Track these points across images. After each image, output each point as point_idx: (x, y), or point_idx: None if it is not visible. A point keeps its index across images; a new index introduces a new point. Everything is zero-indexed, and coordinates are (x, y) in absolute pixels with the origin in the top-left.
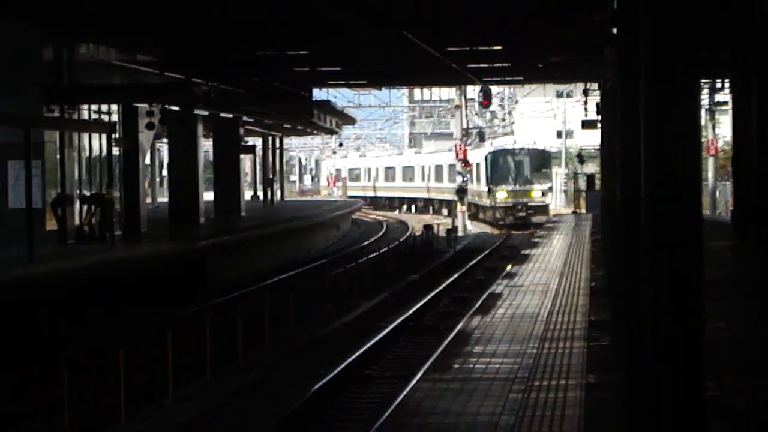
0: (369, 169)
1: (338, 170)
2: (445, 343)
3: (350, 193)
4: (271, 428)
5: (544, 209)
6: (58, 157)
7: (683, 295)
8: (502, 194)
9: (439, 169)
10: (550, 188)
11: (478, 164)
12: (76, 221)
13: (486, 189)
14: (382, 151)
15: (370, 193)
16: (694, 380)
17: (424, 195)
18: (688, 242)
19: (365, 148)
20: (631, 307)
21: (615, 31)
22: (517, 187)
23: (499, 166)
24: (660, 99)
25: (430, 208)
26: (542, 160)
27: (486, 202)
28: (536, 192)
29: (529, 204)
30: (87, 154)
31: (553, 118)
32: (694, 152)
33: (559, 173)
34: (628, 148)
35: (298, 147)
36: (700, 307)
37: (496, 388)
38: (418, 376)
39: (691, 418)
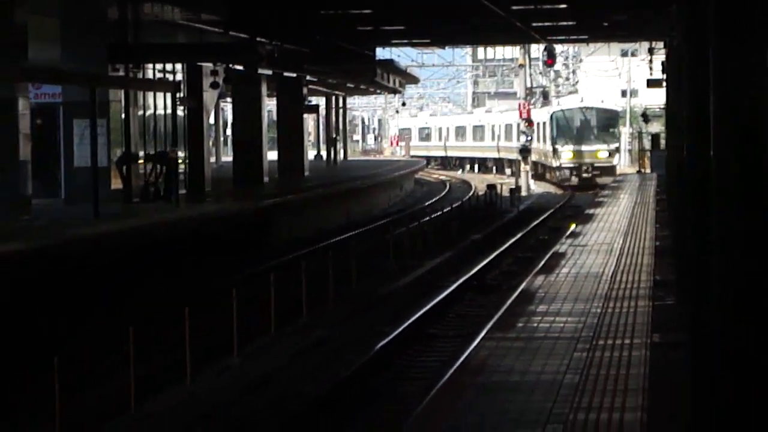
0: (440, 129)
1: (407, 129)
2: (509, 302)
3: (419, 153)
4: (335, 386)
5: (610, 170)
6: (122, 115)
7: (754, 254)
8: (567, 154)
9: (509, 128)
10: (617, 149)
11: (543, 123)
12: (141, 180)
13: (551, 149)
14: (452, 110)
15: (441, 153)
16: (762, 341)
17: (494, 155)
18: (759, 199)
19: (428, 107)
20: (697, 266)
21: None
22: (583, 147)
23: (564, 126)
24: (730, 55)
25: (494, 168)
26: (609, 120)
27: (550, 162)
28: (602, 152)
29: (595, 165)
30: (151, 113)
31: (618, 78)
32: (764, 108)
33: (623, 133)
34: (695, 107)
35: (361, 106)
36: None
37: (560, 347)
38: (482, 334)
39: (758, 378)
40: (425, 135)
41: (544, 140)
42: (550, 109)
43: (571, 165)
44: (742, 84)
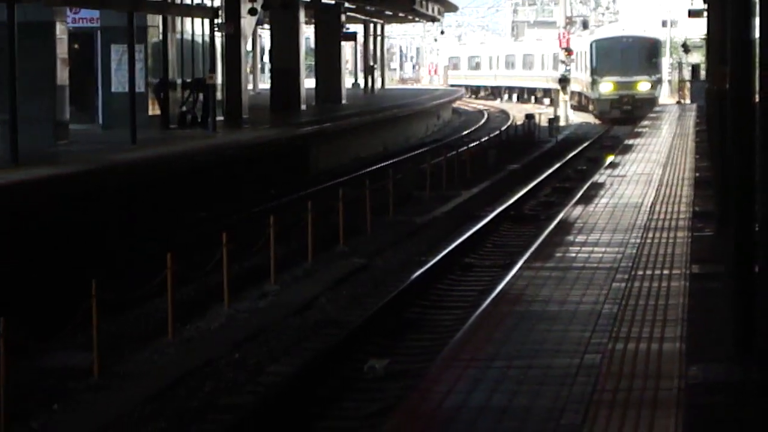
0: (490, 57)
1: (456, 58)
2: (546, 232)
3: (468, 82)
4: (371, 315)
5: (652, 102)
6: (160, 41)
7: None
8: (607, 86)
9: (556, 57)
10: (660, 80)
11: (584, 53)
12: (179, 106)
13: (590, 79)
14: (499, 38)
15: (491, 82)
16: None
17: (544, 84)
18: None
19: (466, 36)
20: (739, 196)
21: None
22: (624, 78)
23: (604, 56)
24: None
25: (533, 97)
26: (652, 50)
27: (590, 93)
28: (644, 84)
29: (637, 97)
30: (189, 38)
31: (659, 7)
32: None
33: (665, 63)
34: (738, 36)
35: (399, 35)
36: None
37: (598, 278)
38: (519, 264)
39: None
40: (475, 64)
41: (585, 70)
42: (590, 38)
43: (612, 97)
44: None
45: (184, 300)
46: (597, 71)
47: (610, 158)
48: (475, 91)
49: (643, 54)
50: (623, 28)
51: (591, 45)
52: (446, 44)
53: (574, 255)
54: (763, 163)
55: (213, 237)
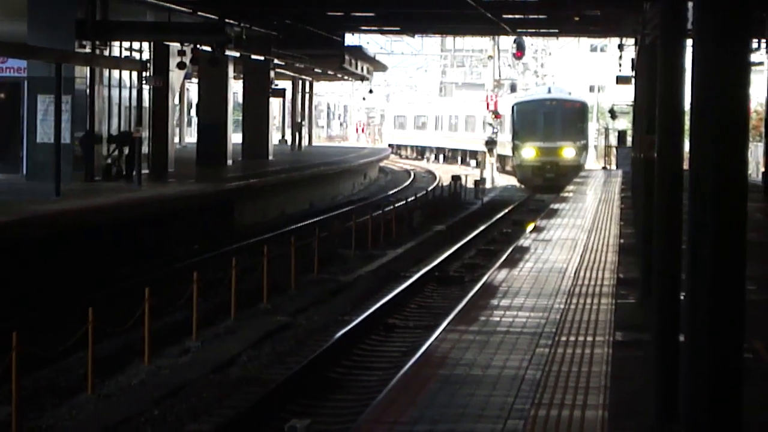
0: (451, 116)
1: (402, 117)
2: (471, 294)
3: (414, 142)
4: (296, 373)
5: (577, 170)
6: (87, 93)
7: (725, 255)
8: (529, 151)
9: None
10: (585, 146)
11: (507, 116)
12: (105, 158)
13: (511, 144)
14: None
15: (437, 143)
16: (731, 343)
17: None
18: (733, 202)
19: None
20: (662, 265)
21: None
22: (546, 143)
23: (526, 119)
24: (711, 57)
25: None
26: (577, 113)
27: (512, 158)
28: (568, 150)
29: (560, 163)
30: (117, 91)
31: (586, 73)
32: (743, 111)
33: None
34: (668, 105)
35: (327, 92)
36: (741, 270)
37: (522, 342)
38: (443, 326)
39: (727, 380)
40: (421, 123)
41: (508, 133)
42: (513, 100)
43: (534, 163)
44: (723, 81)
45: (105, 355)
46: (519, 135)
47: (532, 225)
48: (420, 152)
49: (567, 118)
50: (548, 90)
51: (513, 108)
52: (392, 101)
53: (498, 319)
54: (692, 233)
55: (134, 292)
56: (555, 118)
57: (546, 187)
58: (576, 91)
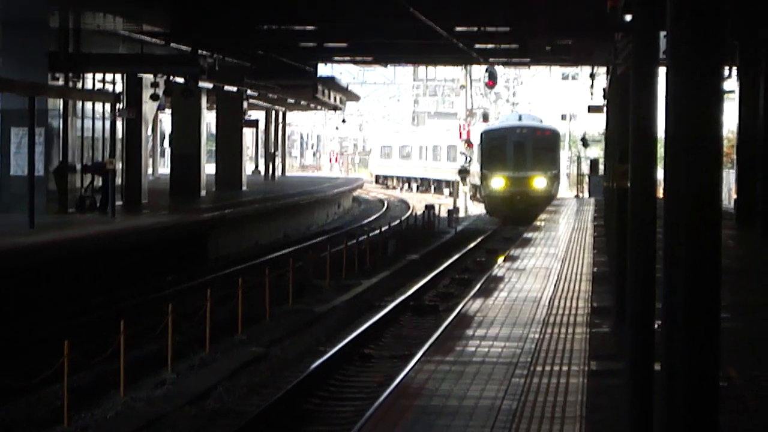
0: (435, 146)
1: (388, 147)
2: (446, 324)
3: (400, 173)
4: (272, 404)
5: (548, 200)
6: (61, 125)
7: (700, 284)
8: (498, 181)
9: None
10: (557, 175)
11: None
12: (79, 190)
13: (480, 174)
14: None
15: (429, 174)
16: (707, 371)
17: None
18: (708, 230)
19: (367, 124)
20: (635, 294)
21: (628, 18)
22: (517, 173)
23: (495, 148)
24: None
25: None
26: (549, 142)
27: (481, 188)
28: (539, 180)
29: (531, 194)
30: (90, 123)
31: (558, 101)
32: (717, 141)
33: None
34: (640, 134)
35: (300, 122)
36: (716, 299)
37: (498, 372)
38: (418, 357)
39: (703, 408)
40: (406, 153)
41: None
42: (482, 128)
43: (503, 194)
44: (697, 111)
45: (80, 387)
46: (487, 165)
47: (502, 256)
48: (407, 182)
49: (538, 147)
50: (519, 117)
51: (481, 136)
52: (376, 130)
53: (473, 348)
54: (667, 262)
55: (108, 323)
56: (525, 146)
57: (516, 218)
58: (548, 119)
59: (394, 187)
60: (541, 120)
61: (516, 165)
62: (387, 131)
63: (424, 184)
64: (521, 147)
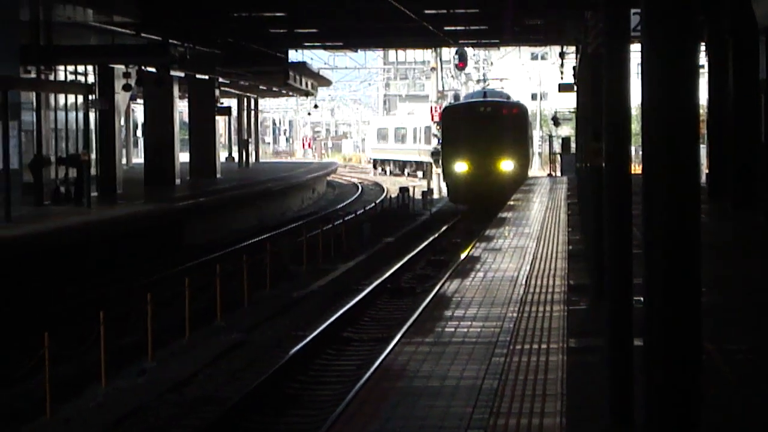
0: (415, 129)
1: (384, 129)
2: (424, 305)
3: (396, 157)
4: (252, 390)
5: (516, 185)
6: (34, 117)
7: (680, 258)
8: (460, 165)
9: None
10: (527, 155)
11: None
12: (54, 182)
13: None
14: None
15: (424, 158)
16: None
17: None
18: (687, 205)
19: (339, 109)
20: (614, 270)
21: None
22: (481, 155)
23: (457, 127)
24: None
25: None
26: (516, 120)
27: (443, 173)
28: (506, 162)
29: (497, 179)
30: (63, 114)
31: (528, 81)
32: (694, 115)
33: (535, 136)
34: (614, 112)
35: (272, 108)
36: (697, 271)
37: (478, 352)
38: (397, 339)
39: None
40: (401, 136)
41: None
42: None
43: (465, 179)
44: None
45: (62, 378)
46: (449, 146)
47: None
48: (402, 166)
49: (505, 125)
50: (483, 94)
51: (441, 114)
52: (376, 115)
53: (452, 329)
54: (646, 237)
55: (88, 313)
56: (490, 125)
57: (481, 207)
58: (519, 98)
59: (397, 174)
60: (509, 96)
61: (480, 146)
62: (383, 114)
63: (421, 169)
64: (486, 126)
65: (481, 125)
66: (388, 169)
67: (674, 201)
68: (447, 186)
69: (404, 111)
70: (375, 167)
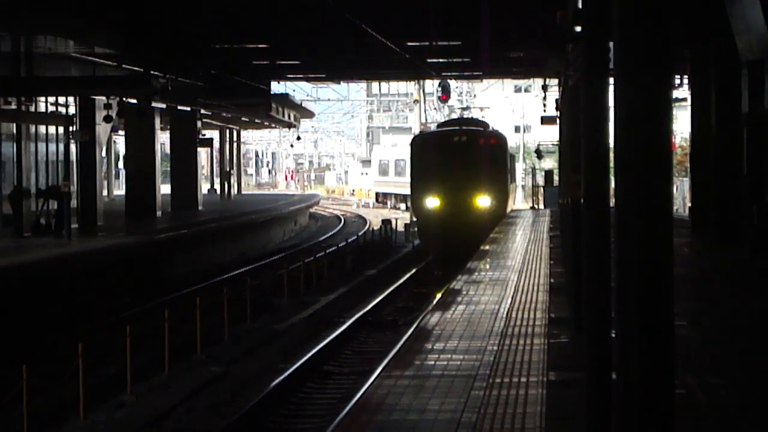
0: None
1: (385, 162)
2: (404, 339)
3: (397, 190)
4: (231, 423)
5: (494, 222)
6: (14, 149)
7: (653, 292)
8: (432, 201)
9: None
10: (505, 190)
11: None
12: (34, 214)
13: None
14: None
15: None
16: (662, 379)
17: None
18: (659, 238)
19: (322, 141)
20: (592, 304)
21: (578, 29)
22: (455, 190)
23: (428, 158)
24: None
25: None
26: (495, 150)
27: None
28: (483, 198)
29: (473, 216)
30: (44, 146)
31: (512, 113)
32: (666, 149)
33: (517, 168)
34: (592, 145)
35: (255, 140)
36: (669, 304)
37: (457, 385)
38: (377, 372)
39: (658, 417)
40: (401, 168)
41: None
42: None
43: (437, 217)
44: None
45: (40, 411)
46: (419, 179)
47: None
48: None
49: (482, 157)
50: (458, 122)
51: (411, 144)
52: (377, 147)
53: (432, 362)
54: (619, 270)
55: (66, 347)
56: (465, 156)
57: (453, 248)
58: (501, 128)
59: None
60: (487, 125)
61: (454, 179)
62: (385, 144)
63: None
64: (460, 157)
65: (455, 156)
66: (389, 202)
67: (646, 234)
68: (416, 224)
69: (404, 142)
70: (378, 201)
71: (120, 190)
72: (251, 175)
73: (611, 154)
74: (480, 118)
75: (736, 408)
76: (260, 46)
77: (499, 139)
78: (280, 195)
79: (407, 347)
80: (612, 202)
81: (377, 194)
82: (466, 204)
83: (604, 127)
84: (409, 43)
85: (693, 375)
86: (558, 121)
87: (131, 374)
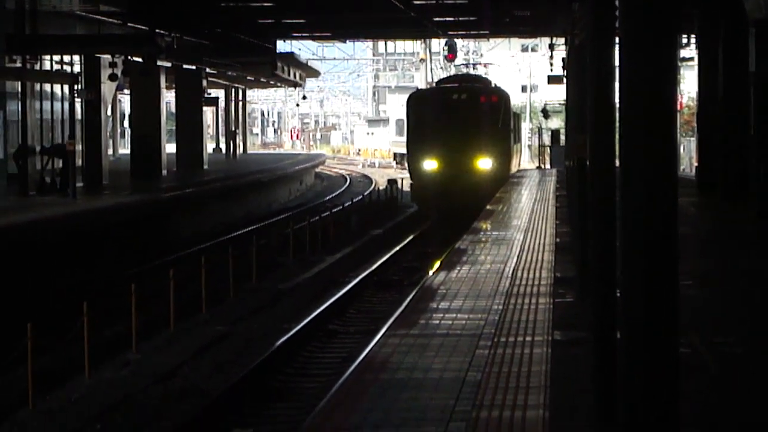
0: None
1: (401, 121)
2: (410, 298)
3: None
4: (237, 382)
5: (497, 186)
6: (20, 107)
7: (657, 250)
8: (429, 163)
9: None
10: (508, 152)
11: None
12: (39, 172)
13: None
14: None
15: None
16: (666, 339)
17: None
18: (664, 198)
19: (328, 101)
20: (597, 263)
21: None
22: (453, 151)
23: (426, 118)
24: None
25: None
26: (496, 109)
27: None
28: (483, 161)
29: (473, 179)
30: (49, 104)
31: (518, 72)
32: (671, 107)
33: (523, 128)
34: (598, 104)
35: (260, 99)
36: (674, 264)
37: (462, 344)
38: (383, 331)
39: (663, 376)
40: None
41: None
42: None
43: (434, 180)
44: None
45: (45, 369)
46: (415, 140)
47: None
48: None
49: (482, 116)
50: (458, 79)
51: (408, 102)
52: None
53: (438, 322)
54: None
55: (72, 305)
56: (465, 115)
57: (452, 212)
58: (508, 88)
59: None
60: (489, 82)
61: (453, 140)
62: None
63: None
64: (460, 116)
65: (455, 115)
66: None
67: (649, 191)
68: (411, 187)
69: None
70: (396, 162)
71: (126, 150)
72: (257, 134)
73: (617, 114)
74: (483, 75)
75: (742, 366)
76: (265, 4)
77: (501, 97)
78: (285, 154)
79: (412, 306)
80: (617, 162)
81: (395, 155)
82: (465, 166)
83: (611, 87)
84: (416, 2)
85: (700, 335)
86: (565, 80)
87: (137, 333)
